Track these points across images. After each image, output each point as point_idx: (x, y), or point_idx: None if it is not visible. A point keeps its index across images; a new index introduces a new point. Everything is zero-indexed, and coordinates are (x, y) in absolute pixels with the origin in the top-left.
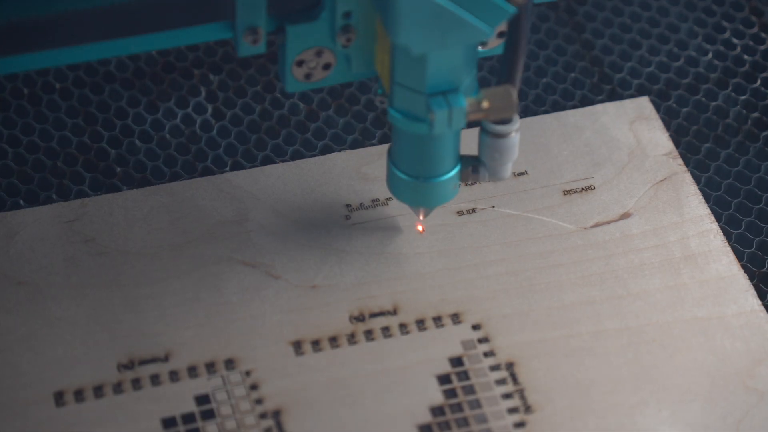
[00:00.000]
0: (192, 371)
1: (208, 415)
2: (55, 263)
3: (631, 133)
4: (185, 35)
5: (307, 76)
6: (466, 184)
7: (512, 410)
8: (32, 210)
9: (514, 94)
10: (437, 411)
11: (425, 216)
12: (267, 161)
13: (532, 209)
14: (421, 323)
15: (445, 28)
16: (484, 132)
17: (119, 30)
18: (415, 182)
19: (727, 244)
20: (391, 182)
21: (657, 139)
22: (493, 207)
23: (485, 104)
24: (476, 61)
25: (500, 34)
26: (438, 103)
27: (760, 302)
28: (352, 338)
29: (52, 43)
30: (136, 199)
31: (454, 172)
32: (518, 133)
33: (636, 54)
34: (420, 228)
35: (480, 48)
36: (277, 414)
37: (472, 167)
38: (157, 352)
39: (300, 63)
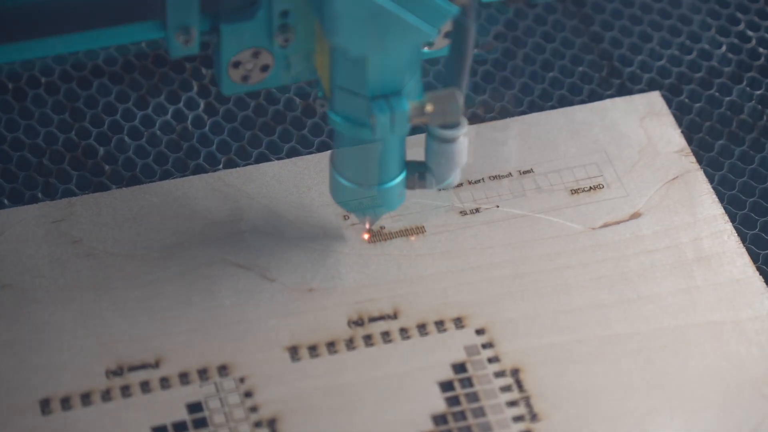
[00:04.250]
0: (184, 378)
1: (201, 423)
2: (41, 265)
3: (642, 130)
4: (113, 35)
5: (245, 78)
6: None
7: (518, 418)
8: (17, 210)
9: (460, 97)
10: (439, 419)
11: (372, 224)
12: (262, 159)
13: (538, 209)
14: (422, 328)
15: (385, 28)
16: (431, 137)
17: (43, 29)
18: (359, 190)
19: (741, 245)
20: (334, 189)
21: (668, 135)
22: (498, 207)
23: (429, 108)
24: (420, 62)
25: (447, 34)
26: (380, 106)
27: None
28: (350, 343)
29: None
30: (126, 199)
31: (399, 179)
32: (466, 137)
33: (647, 47)
34: (366, 237)
35: (426, 49)
36: (272, 422)
37: (419, 173)
38: (148, 358)
39: (236, 64)
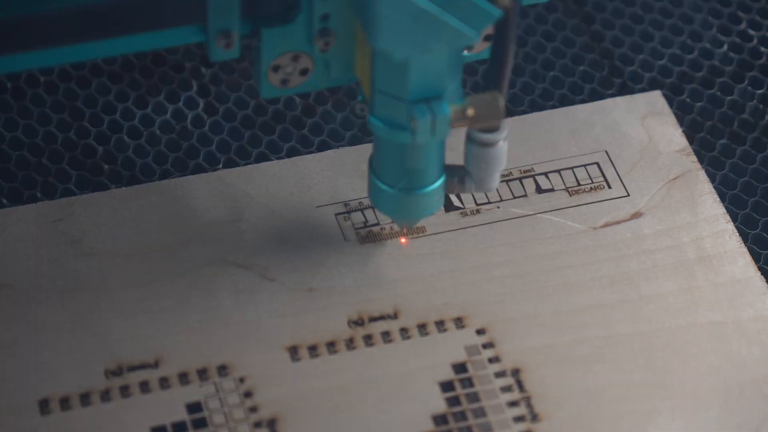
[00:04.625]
0: (183, 378)
1: (200, 423)
2: (40, 265)
3: (643, 129)
4: (155, 39)
5: (284, 81)
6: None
7: (518, 419)
8: (16, 209)
9: (502, 101)
10: (440, 420)
11: (409, 229)
12: (262, 158)
13: (539, 208)
14: (423, 328)
15: (428, 32)
16: (471, 141)
17: (84, 33)
18: (397, 194)
19: (743, 245)
20: (373, 193)
21: (670, 135)
22: (499, 207)
23: (470, 112)
24: (461, 66)
25: (487, 38)
26: (421, 110)
27: None
28: (350, 343)
29: (11, 47)
30: (125, 198)
31: (438, 183)
32: (506, 141)
33: (648, 46)
34: (403, 240)
35: (465, 52)
36: (272, 423)
37: (458, 178)
38: (147, 358)
39: (276, 68)
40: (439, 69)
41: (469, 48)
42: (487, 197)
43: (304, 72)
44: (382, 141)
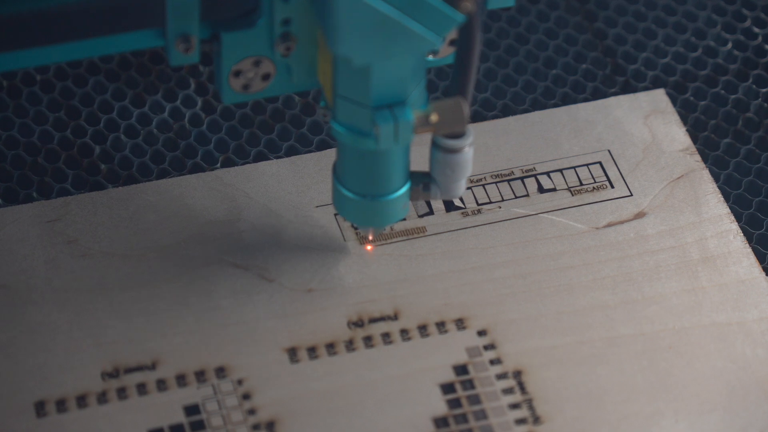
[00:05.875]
0: (181, 380)
1: (198, 426)
2: (36, 265)
3: (646, 128)
4: (112, 43)
5: (245, 86)
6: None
7: (520, 421)
8: (11, 209)
9: (465, 106)
10: (441, 422)
11: (374, 236)
12: (260, 157)
13: (540, 208)
14: (423, 329)
15: (389, 37)
16: (435, 147)
17: (42, 37)
18: (362, 201)
19: (747, 245)
20: (337, 200)
21: (673, 134)
22: (500, 207)
23: (434, 118)
24: (424, 72)
25: (453, 42)
26: (383, 116)
27: None
28: (350, 345)
29: None
30: (122, 198)
31: (403, 190)
32: (472, 147)
33: (651, 44)
34: (369, 248)
35: (430, 57)
36: (271, 425)
37: (423, 184)
38: (144, 360)
39: (237, 73)
40: (401, 74)
41: (435, 53)
42: (488, 197)
43: (266, 77)
44: (346, 147)
